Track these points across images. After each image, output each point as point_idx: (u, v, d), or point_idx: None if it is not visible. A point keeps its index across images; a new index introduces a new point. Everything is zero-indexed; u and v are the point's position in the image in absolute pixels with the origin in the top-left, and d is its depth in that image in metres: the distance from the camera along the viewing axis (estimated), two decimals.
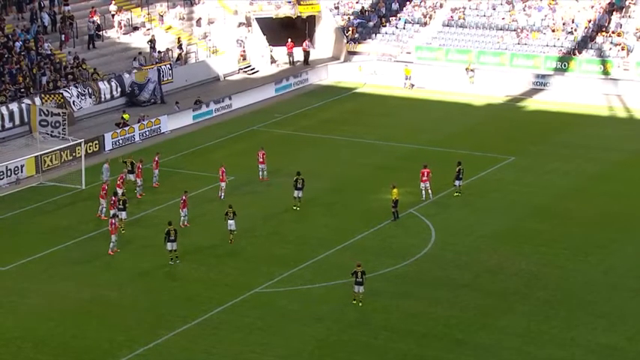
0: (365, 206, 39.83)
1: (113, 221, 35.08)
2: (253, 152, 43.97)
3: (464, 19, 64.69)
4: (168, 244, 34.12)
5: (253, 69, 62.93)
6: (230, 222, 35.77)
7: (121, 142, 48.30)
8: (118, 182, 38.96)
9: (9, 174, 42.48)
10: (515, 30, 62.98)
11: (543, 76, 59.15)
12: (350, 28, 65.48)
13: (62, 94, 49.79)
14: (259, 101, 56.52)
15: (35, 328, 29.56)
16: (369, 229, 37.47)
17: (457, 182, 40.99)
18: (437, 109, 55.55)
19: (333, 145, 48.84)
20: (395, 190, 37.53)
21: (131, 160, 41.87)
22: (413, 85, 59.12)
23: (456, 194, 40.97)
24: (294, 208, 39.35)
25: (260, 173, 42.65)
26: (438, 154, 44.23)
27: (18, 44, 51.75)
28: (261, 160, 42.78)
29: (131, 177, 41.22)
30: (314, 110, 55.41)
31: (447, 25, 64.68)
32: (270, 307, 31.23)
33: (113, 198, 36.89)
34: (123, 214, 36.49)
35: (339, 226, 37.83)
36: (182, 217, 37.28)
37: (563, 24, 62.44)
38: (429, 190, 40.20)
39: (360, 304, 31.16)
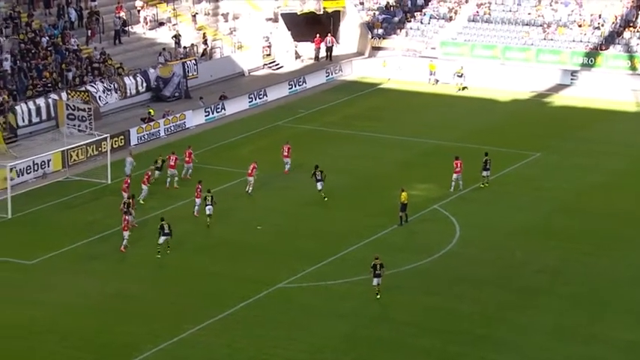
0: (389, 202, 39.75)
1: (126, 218, 35.24)
2: (278, 148, 44.10)
3: (489, 14, 64.40)
4: (162, 237, 34.32)
5: (278, 64, 63.04)
6: (208, 207, 36.18)
7: (146, 137, 48.62)
8: (124, 186, 38.79)
9: (36, 168, 42.90)
10: (541, 25, 62.61)
11: (570, 72, 58.76)
12: (375, 24, 65.41)
13: (88, 89, 50.18)
14: (283, 97, 56.63)
15: (60, 321, 29.88)
16: (393, 225, 37.46)
17: (485, 173, 40.99)
18: (462, 104, 55.38)
19: (357, 141, 48.87)
20: (404, 194, 37.27)
21: (162, 159, 41.99)
22: (437, 81, 58.96)
23: (482, 185, 40.92)
24: (325, 199, 39.51)
25: (286, 167, 42.75)
26: (463, 150, 44.10)
27: (45, 40, 52.20)
28: (285, 153, 42.92)
29: (157, 173, 41.40)
30: (338, 106, 55.43)
31: (473, 21, 64.42)
32: (294, 303, 31.34)
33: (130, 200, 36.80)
34: (129, 218, 35.78)
35: (362, 222, 37.86)
36: (196, 208, 37.49)
37: (591, 19, 61.98)
38: (460, 182, 40.12)
39: (378, 297, 31.16)
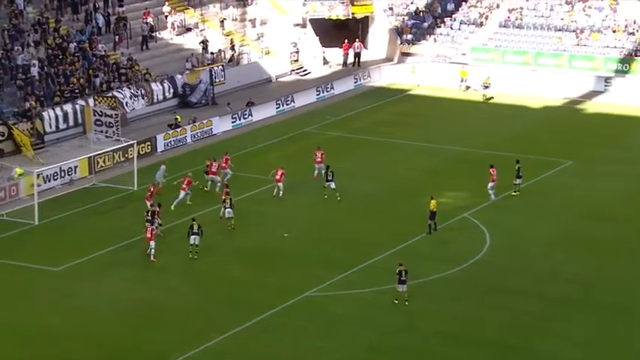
0: (418, 210, 39.68)
1: (150, 228, 35.47)
2: (305, 154, 44.19)
3: (521, 19, 64.18)
4: (191, 237, 34.73)
5: (305, 70, 63.23)
6: (227, 210, 36.36)
7: (172, 143, 48.93)
8: (147, 194, 39.00)
9: (63, 175, 43.32)
10: (574, 31, 62.29)
11: (603, 79, 58.40)
12: (404, 29, 65.41)
13: (115, 95, 50.61)
14: (311, 103, 56.75)
15: (86, 328, 30.11)
16: (422, 233, 37.41)
17: (517, 181, 40.86)
18: (492, 111, 55.20)
19: (385, 148, 48.86)
20: (433, 202, 37.21)
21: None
22: (468, 88, 58.81)
23: (514, 193, 40.77)
24: (339, 199, 40.18)
25: (315, 172, 42.85)
26: (493, 158, 43.96)
27: (72, 45, 52.73)
28: (319, 159, 42.96)
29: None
30: (366, 112, 55.47)
31: (504, 26, 64.23)
32: (322, 312, 31.38)
33: (157, 208, 37.03)
34: (155, 227, 35.96)
35: (390, 230, 37.85)
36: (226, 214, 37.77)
37: (625, 24, 61.56)
38: (494, 190, 40.09)
39: (407, 303, 31.21)
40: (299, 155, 46.12)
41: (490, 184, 40.24)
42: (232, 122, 52.62)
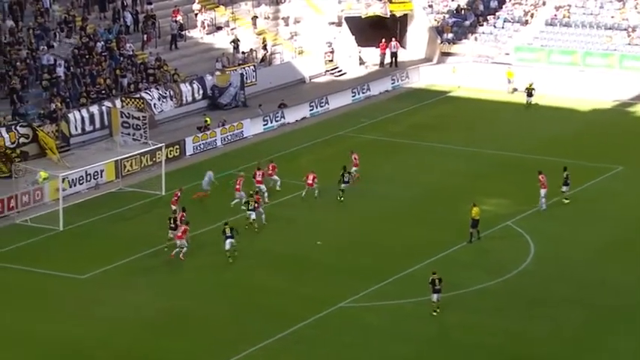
0: (457, 217, 39.54)
1: (183, 227, 35.82)
2: (339, 158, 44.25)
3: (569, 17, 63.72)
4: (227, 241, 35.26)
5: (340, 71, 63.30)
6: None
7: (202, 146, 49.21)
8: (173, 199, 39.23)
9: (88, 179, 43.74)
10: (625, 29, 61.70)
11: None
12: (444, 28, 65.27)
13: (143, 97, 50.98)
14: (346, 105, 56.81)
15: (111, 338, 30.40)
16: (462, 241, 37.28)
17: (564, 188, 40.57)
18: (537, 114, 54.85)
19: (423, 152, 48.75)
20: (476, 209, 37.06)
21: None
22: (516, 90, 58.36)
23: (565, 201, 40.48)
24: (341, 199, 40.87)
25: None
26: (538, 163, 43.72)
27: (100, 44, 53.20)
28: (356, 162, 43.18)
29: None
30: (404, 115, 55.39)
31: (550, 24, 63.81)
32: (356, 323, 31.38)
33: (181, 213, 37.23)
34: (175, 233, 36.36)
35: (429, 238, 37.76)
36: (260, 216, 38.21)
37: None
38: (545, 198, 40.04)
39: (438, 311, 31.23)
40: (333, 159, 46.13)
41: (542, 192, 39.93)
42: (264, 125, 52.82)
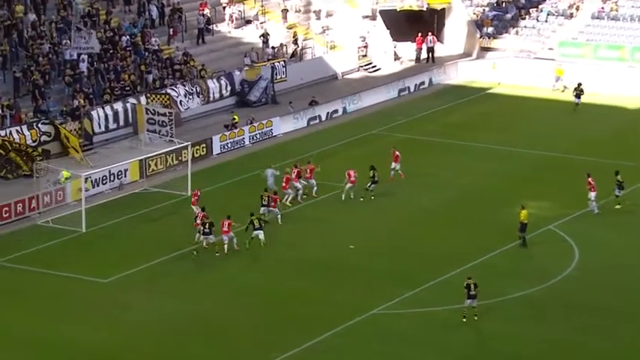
0: (496, 220, 39.44)
1: (227, 221, 36.20)
2: (372, 158, 44.22)
3: (617, 10, 63.17)
4: (254, 232, 36.05)
5: (375, 66, 63.23)
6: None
7: (229, 145, 49.38)
8: (193, 199, 39.31)
9: (112, 179, 44.01)
10: None
11: None
12: (484, 22, 64.99)
13: (169, 93, 51.24)
14: (380, 102, 56.74)
15: (136, 345, 30.60)
16: (501, 246, 37.09)
17: (618, 192, 40.23)
18: (583, 112, 54.44)
19: (461, 152, 48.58)
20: (524, 212, 36.89)
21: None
22: (566, 88, 57.79)
23: (617, 206, 40.14)
24: (362, 199, 41.00)
25: (391, 173, 43.27)
26: (584, 164, 43.43)
27: (124, 39, 53.52)
28: (396, 159, 43.41)
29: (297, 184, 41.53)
30: (441, 113, 55.23)
31: (597, 18, 63.31)
32: (390, 332, 31.33)
33: (202, 213, 37.35)
34: (210, 238, 36.46)
35: (466, 243, 37.63)
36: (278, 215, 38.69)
37: None
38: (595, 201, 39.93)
39: (476, 318, 31.13)
40: (366, 159, 46.06)
41: (591, 195, 39.63)
42: (294, 123, 52.89)
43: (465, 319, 31.38)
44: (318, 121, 53.61)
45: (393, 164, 43.49)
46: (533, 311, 32.41)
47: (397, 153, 43.79)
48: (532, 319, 31.88)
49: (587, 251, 36.64)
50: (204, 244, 36.65)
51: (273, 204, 39.03)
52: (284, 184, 40.94)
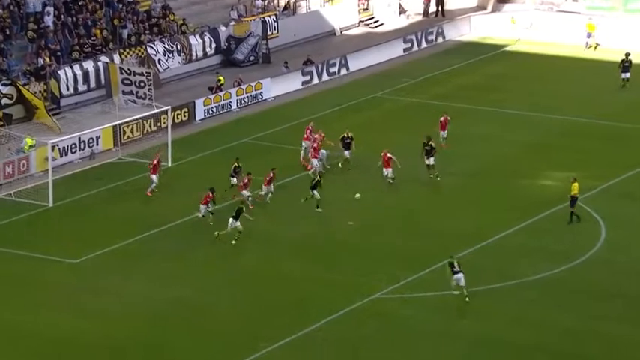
0: (514, 194, 39.61)
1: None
2: (376, 124, 44.28)
3: None
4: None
5: (377, 21, 63.13)
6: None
7: (214, 110, 49.39)
8: (241, 185, 38.89)
9: (82, 147, 44.04)
10: None
11: None
12: None
13: (146, 50, 51.10)
14: (383, 62, 56.65)
15: (112, 333, 30.70)
16: (520, 223, 37.25)
17: None
18: (612, 73, 54.30)
19: (475, 118, 48.68)
20: (575, 185, 37.03)
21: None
22: (598, 45, 57.69)
23: None
24: (432, 177, 40.22)
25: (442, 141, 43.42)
26: (613, 130, 43.55)
27: None
28: (443, 126, 43.49)
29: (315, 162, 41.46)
30: (451, 73, 55.25)
31: None
32: (394, 318, 31.52)
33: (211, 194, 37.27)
34: (237, 224, 36.15)
35: (480, 219, 37.78)
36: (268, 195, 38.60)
37: None
38: None
39: (467, 300, 31.39)
40: (368, 126, 46.19)
41: None
42: (286, 85, 52.74)
43: (467, 300, 31.51)
44: (313, 83, 53.60)
45: (442, 133, 43.33)
46: (555, 296, 32.58)
47: (448, 118, 43.62)
48: (554, 306, 32.01)
49: (614, 229, 36.82)
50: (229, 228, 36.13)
51: (268, 181, 38.70)
52: (241, 185, 39.73)
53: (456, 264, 31.90)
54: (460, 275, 31.68)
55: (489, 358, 29.63)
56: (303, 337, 30.39)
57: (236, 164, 39.52)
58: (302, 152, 42.53)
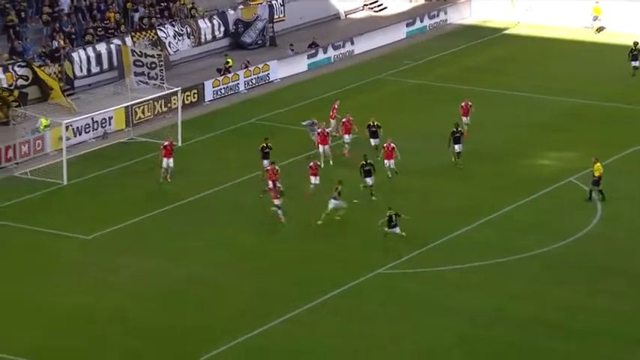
0: (516, 173, 39.43)
1: (274, 187, 35.84)
2: (379, 106, 44.05)
3: None
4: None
5: (381, 5, 62.77)
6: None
7: (222, 91, 49.19)
8: (268, 174, 37.33)
9: (95, 127, 43.92)
10: None
11: None
12: None
13: (157, 33, 50.87)
14: (387, 44, 56.36)
15: (124, 309, 30.56)
16: (520, 200, 37.09)
17: None
18: (617, 55, 53.77)
19: (477, 99, 48.17)
20: (598, 165, 36.68)
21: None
22: (602, 29, 57.27)
23: None
24: (458, 166, 39.93)
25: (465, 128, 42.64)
26: (614, 111, 43.29)
27: None
28: (465, 111, 42.78)
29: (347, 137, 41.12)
30: (454, 55, 54.98)
31: None
32: (397, 292, 31.39)
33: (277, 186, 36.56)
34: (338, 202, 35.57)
35: (482, 196, 37.65)
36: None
37: None
38: None
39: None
40: (371, 107, 45.90)
41: None
42: (293, 67, 52.49)
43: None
44: (318, 65, 53.30)
45: (464, 119, 42.79)
46: (553, 272, 32.41)
47: (470, 104, 42.98)
48: (552, 281, 31.88)
49: (610, 206, 36.63)
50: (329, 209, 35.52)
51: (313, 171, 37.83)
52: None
53: (394, 217, 33.04)
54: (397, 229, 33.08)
55: (490, 331, 29.44)
56: (310, 311, 30.22)
57: (264, 144, 38.86)
58: (331, 128, 41.58)
